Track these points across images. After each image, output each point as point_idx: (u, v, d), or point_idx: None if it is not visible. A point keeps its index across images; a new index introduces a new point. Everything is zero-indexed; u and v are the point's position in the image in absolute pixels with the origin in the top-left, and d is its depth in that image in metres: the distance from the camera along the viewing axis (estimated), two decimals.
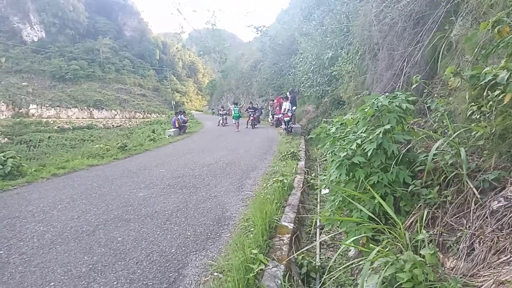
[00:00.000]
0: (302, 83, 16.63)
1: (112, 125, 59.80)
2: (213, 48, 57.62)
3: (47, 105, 54.74)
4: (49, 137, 46.00)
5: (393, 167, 2.94)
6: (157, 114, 66.57)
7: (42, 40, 62.38)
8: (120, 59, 72.31)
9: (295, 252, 3.37)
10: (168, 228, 4.36)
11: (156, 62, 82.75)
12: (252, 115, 21.21)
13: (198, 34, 62.97)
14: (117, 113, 63.43)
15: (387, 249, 2.26)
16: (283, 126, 15.25)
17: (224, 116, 25.60)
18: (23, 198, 6.31)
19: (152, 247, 3.78)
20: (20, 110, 51.00)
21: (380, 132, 2.88)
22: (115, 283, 3.05)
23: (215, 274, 3.10)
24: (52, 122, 52.26)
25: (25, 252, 3.81)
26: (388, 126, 2.90)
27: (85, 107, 59.15)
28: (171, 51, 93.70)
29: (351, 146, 3.09)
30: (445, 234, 2.47)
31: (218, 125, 25.62)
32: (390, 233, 2.43)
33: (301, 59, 17.21)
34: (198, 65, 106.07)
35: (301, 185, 5.91)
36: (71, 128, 53.28)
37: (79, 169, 9.18)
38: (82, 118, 57.95)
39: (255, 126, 21.05)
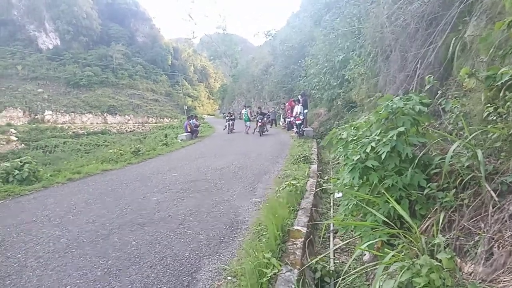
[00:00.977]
0: (314, 86, 16.59)
1: (126, 130, 60.55)
2: (224, 53, 57.99)
3: (62, 111, 55.76)
4: (64, 143, 46.81)
5: (407, 170, 2.90)
6: (169, 119, 67.15)
7: (57, 48, 63.68)
8: (133, 65, 73.32)
9: (309, 257, 3.35)
10: (182, 232, 4.39)
11: (168, 67, 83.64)
12: (260, 120, 18.82)
13: (209, 39, 63.43)
14: (130, 118, 64.22)
15: (403, 253, 2.22)
16: (294, 129, 15.20)
17: (231, 122, 22.63)
18: (40, 203, 6.43)
19: (166, 251, 3.80)
20: (36, 116, 52.06)
21: (394, 135, 2.85)
22: (129, 286, 3.08)
23: (229, 278, 3.10)
24: (67, 127, 53.19)
25: (42, 256, 3.88)
26: (402, 129, 2.87)
27: (99, 113, 60.05)
28: (183, 56, 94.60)
29: (364, 149, 3.06)
30: (462, 238, 2.42)
31: (224, 129, 23.49)
32: (405, 237, 2.39)
33: (312, 62, 17.18)
34: (210, 70, 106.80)
35: (314, 188, 5.87)
36: (86, 133, 54.14)
37: (93, 173, 9.32)
38: (96, 123, 58.82)
39: (264, 132, 18.77)
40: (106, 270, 3.42)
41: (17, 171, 8.08)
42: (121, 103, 63.86)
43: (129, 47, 76.31)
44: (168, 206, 5.66)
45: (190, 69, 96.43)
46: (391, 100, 3.14)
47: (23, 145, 43.81)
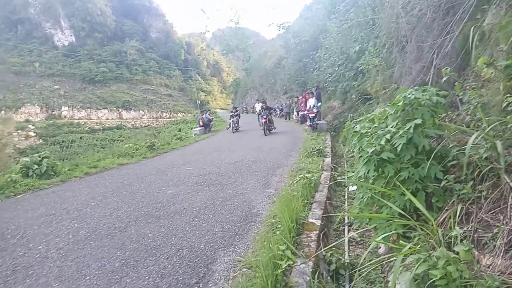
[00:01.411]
0: (327, 78, 16.44)
1: (140, 125, 61.30)
2: (236, 47, 57.95)
3: (78, 107, 56.76)
4: (80, 138, 47.74)
5: (424, 162, 2.86)
6: (183, 114, 67.67)
7: (72, 44, 64.67)
8: (147, 61, 73.97)
9: (323, 249, 3.35)
10: (197, 225, 4.44)
11: (181, 62, 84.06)
12: (265, 116, 16.10)
13: (221, 33, 63.48)
14: (145, 113, 64.97)
15: (419, 245, 2.21)
16: (308, 122, 15.12)
17: (235, 119, 19.11)
18: (58, 196, 6.60)
19: (182, 243, 3.86)
20: (53, 112, 53.13)
21: (410, 127, 2.81)
22: (146, 277, 3.14)
23: (244, 270, 3.13)
24: (83, 123, 54.17)
25: (62, 248, 3.99)
26: (419, 121, 2.82)
27: (114, 108, 60.91)
28: (196, 51, 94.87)
29: (379, 141, 3.03)
30: (480, 231, 2.38)
31: (228, 127, 20.42)
32: (421, 229, 2.37)
33: (326, 54, 16.99)
34: (222, 64, 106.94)
35: (328, 182, 5.85)
36: (101, 128, 55.05)
37: (110, 168, 9.49)
38: (112, 118, 59.70)
39: (270, 131, 16.25)
40: (123, 261, 3.50)
41: (36, 166, 8.30)
42: (136, 99, 64.62)
43: (143, 42, 76.95)
44: (183, 199, 5.73)
45: (203, 63, 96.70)
46: (408, 92, 3.09)
47: (41, 140, 44.84)
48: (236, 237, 3.95)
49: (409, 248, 2.15)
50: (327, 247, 3.36)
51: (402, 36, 7.25)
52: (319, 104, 15.45)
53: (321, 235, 3.74)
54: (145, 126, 60.79)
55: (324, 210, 4.49)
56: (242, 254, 3.50)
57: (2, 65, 51.89)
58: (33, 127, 46.11)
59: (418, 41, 6.27)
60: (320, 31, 21.86)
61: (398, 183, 2.80)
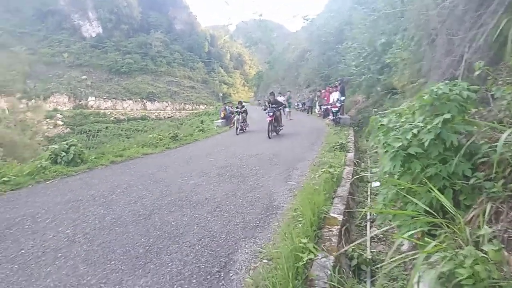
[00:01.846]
0: (352, 71, 16.16)
1: (164, 117, 62.36)
2: (260, 39, 57.64)
3: (104, 97, 58.24)
4: (106, 128, 49.02)
5: (452, 159, 2.78)
6: (205, 106, 68.30)
7: (100, 36, 66.21)
8: (171, 52, 74.87)
9: (345, 244, 3.33)
10: (218, 215, 4.50)
11: (204, 54, 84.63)
12: (271, 113, 12.71)
13: (245, 26, 63.37)
14: (168, 104, 65.97)
15: (445, 244, 2.16)
16: (330, 117, 14.94)
17: (240, 117, 15.22)
18: (85, 183, 6.81)
19: (204, 232, 3.93)
20: (80, 102, 54.74)
21: (439, 122, 2.73)
22: (169, 264, 3.22)
23: (264, 261, 3.15)
24: (108, 113, 55.57)
25: (88, 232, 4.13)
26: (448, 116, 2.74)
27: (139, 99, 62.13)
28: (219, 43, 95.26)
29: (406, 136, 2.97)
30: (510, 230, 2.30)
31: (232, 126, 17.84)
32: (448, 227, 2.32)
33: (351, 47, 16.69)
34: (245, 57, 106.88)
35: (350, 177, 5.79)
36: (126, 119, 56.31)
37: (134, 157, 9.71)
38: (136, 109, 60.94)
39: (273, 133, 12.78)
40: (147, 248, 3.60)
41: (64, 153, 8.57)
42: (160, 90, 65.67)
43: (168, 34, 77.88)
44: (205, 189, 5.81)
45: (226, 56, 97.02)
46: (436, 85, 3.00)
47: (68, 129, 46.36)
48: (257, 229, 3.98)
49: (434, 245, 2.10)
50: (349, 243, 3.34)
51: (431, 29, 7.02)
52: (343, 98, 15.22)
53: (342, 230, 3.71)
54: (168, 118, 61.80)
55: (346, 205, 4.45)
56: (262, 245, 3.52)
57: (34, 56, 53.70)
58: (61, 116, 47.67)
59: (449, 34, 6.06)
60: (345, 23, 21.48)
61: (424, 180, 2.74)
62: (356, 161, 7.30)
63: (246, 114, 16.13)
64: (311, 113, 24.38)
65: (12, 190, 6.45)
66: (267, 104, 13.71)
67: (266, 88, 52.22)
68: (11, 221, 4.68)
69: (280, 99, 23.44)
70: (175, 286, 2.85)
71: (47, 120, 43.59)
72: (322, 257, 3.00)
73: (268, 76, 52.36)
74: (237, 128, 14.96)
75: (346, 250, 3.27)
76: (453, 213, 2.25)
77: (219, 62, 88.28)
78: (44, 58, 55.96)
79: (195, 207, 4.87)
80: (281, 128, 13.58)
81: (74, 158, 8.63)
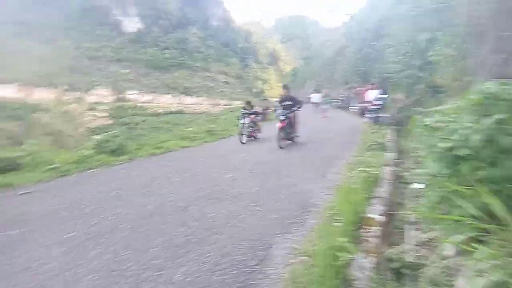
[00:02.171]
0: (391, 69, 15.62)
1: (199, 111, 63.47)
2: (295, 35, 57.20)
3: (143, 91, 60.01)
4: (144, 121, 50.56)
5: (504, 162, 2.63)
6: (239, 101, 68.72)
7: (139, 31, 68.16)
8: (207, 48, 75.85)
9: (384, 246, 3.25)
10: (254, 210, 4.54)
11: (239, 50, 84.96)
12: (283, 116, 10.08)
13: (280, 22, 63.02)
14: (204, 99, 67.05)
15: (496, 251, 2.05)
16: (369, 115, 14.56)
17: (246, 121, 11.90)
18: (127, 173, 7.12)
19: (241, 225, 4.00)
20: (120, 95, 56.81)
21: (491, 123, 2.59)
22: (207, 254, 3.30)
23: (301, 257, 3.14)
24: (147, 106, 57.34)
25: (130, 220, 4.32)
26: (501, 116, 2.59)
27: (176, 94, 63.58)
28: (254, 39, 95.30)
29: (453, 136, 2.84)
30: None
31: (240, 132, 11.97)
32: (499, 234, 2.20)
33: (391, 43, 16.13)
34: (280, 53, 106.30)
35: (390, 177, 5.62)
36: (164, 113, 57.83)
37: (173, 150, 10.02)
38: (173, 103, 62.45)
39: (293, 137, 10.52)
40: (187, 237, 3.72)
41: (107, 144, 9.00)
42: (196, 85, 66.75)
43: (204, 30, 78.90)
44: (241, 184, 5.91)
45: (261, 52, 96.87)
46: (485, 84, 2.84)
47: (110, 121, 48.31)
48: (293, 225, 3.98)
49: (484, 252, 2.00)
50: (389, 245, 3.26)
51: (480, 24, 6.66)
52: (384, 96, 14.75)
53: (382, 231, 3.62)
54: (203, 112, 62.83)
55: (386, 206, 4.33)
56: (298, 242, 3.52)
57: (78, 50, 56.34)
58: (102, 108, 49.74)
59: (499, 30, 5.72)
60: (385, 19, 20.79)
61: (474, 183, 2.61)
62: (396, 162, 7.08)
63: (257, 115, 12.98)
64: (348, 111, 23.93)
65: (60, 176, 6.86)
66: (279, 103, 10.95)
67: (302, 85, 51.82)
68: (60, 206, 4.99)
69: (317, 96, 23.08)
70: (214, 276, 2.91)
71: (90, 111, 45.62)
72: (361, 258, 2.94)
73: (304, 72, 51.87)
74: (242, 135, 11.56)
75: (386, 252, 3.19)
76: (506, 218, 2.13)
77: (253, 58, 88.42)
78: (87, 52, 58.52)
79: (231, 201, 4.96)
80: (297, 136, 10.75)
81: (117, 149, 9.04)
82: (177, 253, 3.34)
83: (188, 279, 2.88)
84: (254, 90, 57.78)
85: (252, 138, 12.20)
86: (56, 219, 4.48)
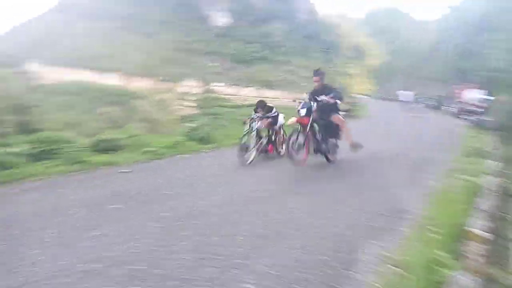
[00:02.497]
0: (497, 67, 13.95)
1: (280, 105, 64.04)
2: (386, 29, 54.18)
3: (228, 83, 62.58)
4: (226, 112, 52.76)
5: None
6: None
7: (227, 26, 70.90)
8: (289, 42, 75.83)
9: (488, 264, 2.94)
10: (340, 210, 4.45)
11: (323, 44, 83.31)
12: (303, 112, 6.83)
13: (372, 15, 60.16)
14: (285, 93, 67.43)
15: None
16: (468, 117, 13.23)
17: (254, 129, 7.58)
18: (209, 162, 7.53)
19: (326, 224, 3.95)
20: (207, 87, 60.01)
21: None
22: (290, 250, 3.30)
23: (390, 266, 2.99)
24: (230, 99, 59.71)
25: (219, 206, 4.51)
26: None
27: (258, 87, 64.99)
28: (339, 32, 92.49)
29: None
30: None
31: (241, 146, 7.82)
32: None
33: (498, 37, 14.38)
34: (368, 47, 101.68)
35: (495, 189, 5.05)
36: (245, 105, 59.62)
37: None
38: (254, 96, 63.95)
39: (329, 151, 7.03)
40: (269, 230, 3.76)
41: (196, 132, 9.68)
42: (277, 79, 67.37)
43: (289, 24, 78.83)
44: (327, 182, 5.92)
45: (347, 45, 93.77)
46: None
47: (196, 111, 51.32)
48: (383, 232, 3.78)
49: None
50: (493, 264, 2.94)
51: None
52: (488, 98, 13.23)
53: (485, 247, 3.28)
54: (283, 106, 63.25)
55: (490, 220, 3.91)
56: (388, 250, 3.34)
57: (173, 44, 60.74)
58: (190, 99, 53.09)
59: None
60: (489, 12, 18.55)
61: None
62: (502, 171, 6.34)
63: (276, 124, 8.30)
64: (439, 111, 22.04)
65: (156, 159, 7.55)
66: (308, 100, 7.27)
67: (389, 81, 49.13)
68: (156, 185, 5.50)
69: (406, 93, 21.64)
70: (296, 272, 2.89)
71: (179, 101, 48.99)
72: (460, 275, 2.71)
73: (391, 68, 48.98)
74: (244, 149, 7.29)
75: (489, 271, 2.89)
76: None
77: (338, 52, 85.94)
78: (181, 46, 62.69)
79: (317, 197, 4.94)
80: (335, 152, 7.33)
81: (204, 137, 9.65)
82: (260, 244, 3.39)
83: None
84: (337, 86, 56.35)
85: (267, 153, 8.05)
86: (153, 198, 4.89)
